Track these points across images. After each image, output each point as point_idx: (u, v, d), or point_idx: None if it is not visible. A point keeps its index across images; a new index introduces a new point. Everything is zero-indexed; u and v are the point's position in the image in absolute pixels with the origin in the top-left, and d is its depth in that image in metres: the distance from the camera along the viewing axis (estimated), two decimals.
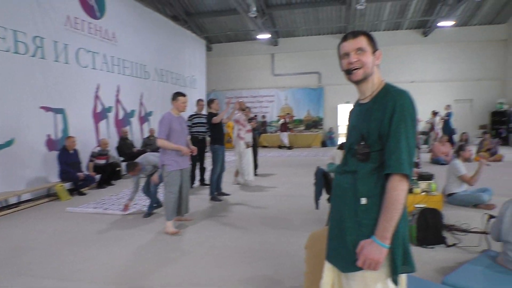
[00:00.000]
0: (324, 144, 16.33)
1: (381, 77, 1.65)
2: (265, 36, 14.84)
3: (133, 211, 5.68)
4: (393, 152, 1.44)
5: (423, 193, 4.14)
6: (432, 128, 13.39)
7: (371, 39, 1.63)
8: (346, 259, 1.55)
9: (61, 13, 7.52)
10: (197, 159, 7.42)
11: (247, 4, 11.46)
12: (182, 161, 4.65)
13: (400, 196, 1.41)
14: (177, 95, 4.68)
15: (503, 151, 11.45)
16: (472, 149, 5.97)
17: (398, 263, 1.47)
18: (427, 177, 4.32)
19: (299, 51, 17.22)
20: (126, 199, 5.88)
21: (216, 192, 6.48)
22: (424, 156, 10.92)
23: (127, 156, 8.93)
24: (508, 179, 7.47)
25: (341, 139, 16.12)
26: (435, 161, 9.97)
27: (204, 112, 7.51)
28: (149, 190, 5.54)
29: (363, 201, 1.52)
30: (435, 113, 13.35)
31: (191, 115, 7.42)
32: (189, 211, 5.06)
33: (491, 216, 3.38)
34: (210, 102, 6.63)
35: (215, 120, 6.27)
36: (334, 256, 1.64)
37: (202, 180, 7.77)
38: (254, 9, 11.55)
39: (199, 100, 7.62)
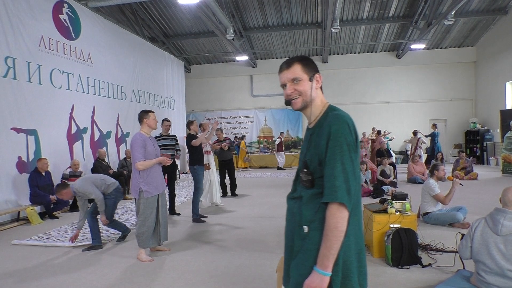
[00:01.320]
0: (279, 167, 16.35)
1: (325, 100, 1.63)
2: (243, 57, 15.00)
3: (80, 243, 5.05)
4: (329, 180, 1.40)
5: (398, 213, 4.13)
6: (411, 147, 13.59)
7: (306, 65, 1.59)
8: (294, 283, 1.53)
9: (35, 34, 7.41)
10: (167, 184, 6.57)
11: (224, 26, 11.59)
12: (160, 185, 4.42)
13: (339, 224, 1.37)
14: (147, 112, 4.42)
15: (477, 169, 11.73)
16: (446, 169, 6.05)
17: None
18: (401, 197, 4.33)
19: (277, 72, 17.37)
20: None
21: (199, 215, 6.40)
22: (402, 176, 11.06)
23: None
24: (482, 197, 7.61)
25: None
26: (412, 180, 10.10)
27: (172, 132, 7.28)
28: (94, 219, 4.82)
29: (305, 229, 1.49)
30: (415, 133, 13.42)
31: (156, 137, 6.50)
32: (168, 238, 4.71)
33: (464, 235, 3.39)
34: (189, 123, 6.63)
35: (195, 143, 6.25)
36: (287, 280, 1.63)
37: (172, 208, 6.86)
38: (232, 31, 11.69)
39: (165, 120, 6.96)
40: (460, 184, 5.40)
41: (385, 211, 4.19)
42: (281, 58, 17.41)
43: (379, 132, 13.94)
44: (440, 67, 16.67)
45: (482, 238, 2.79)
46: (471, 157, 14.24)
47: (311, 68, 1.60)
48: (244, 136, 16.38)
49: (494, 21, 14.42)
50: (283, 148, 15.55)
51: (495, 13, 13.74)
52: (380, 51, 16.82)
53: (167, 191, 6.70)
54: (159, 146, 6.31)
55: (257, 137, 17.63)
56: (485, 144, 14.91)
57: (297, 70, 1.58)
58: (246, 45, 15.54)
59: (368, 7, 13.25)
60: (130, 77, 11.08)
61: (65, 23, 8.30)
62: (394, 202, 4.28)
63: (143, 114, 4.40)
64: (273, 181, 11.63)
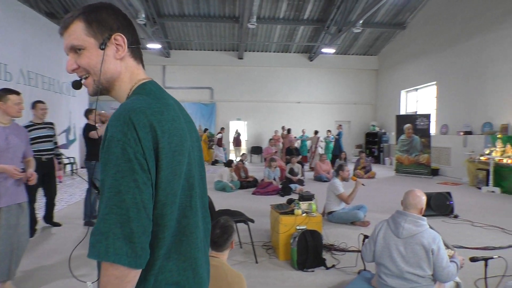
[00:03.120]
0: (216, 161, 16.10)
1: (139, 75, 1.10)
2: (155, 46, 14.15)
3: None
4: (97, 220, 0.89)
5: (304, 214, 4.07)
6: (310, 146, 14.35)
7: (94, 21, 1.01)
8: None
9: None
10: (38, 189, 5.00)
11: (135, 9, 10.74)
12: (9, 194, 3.00)
13: (110, 284, 0.88)
14: (6, 92, 3.10)
15: (375, 168, 12.64)
16: (350, 169, 6.26)
17: None
18: (308, 197, 4.28)
19: (191, 64, 16.89)
20: None
21: (93, 216, 5.65)
22: (308, 174, 11.42)
23: None
24: (379, 195, 8.10)
25: (232, 156, 16.13)
26: (318, 178, 10.47)
27: (50, 120, 5.52)
28: None
29: (89, 285, 1.06)
30: (315, 132, 14.28)
31: (27, 126, 4.78)
32: (16, 274, 3.18)
33: (366, 236, 3.41)
34: (88, 112, 5.79)
35: (93, 134, 5.42)
36: None
37: (49, 217, 5.35)
38: (143, 16, 10.89)
39: (38, 103, 5.01)
40: (362, 184, 5.62)
41: (292, 212, 4.09)
42: (196, 50, 16.88)
43: (289, 130, 14.36)
44: (347, 72, 17.75)
45: (384, 241, 2.77)
46: (370, 157, 15.42)
47: (104, 26, 1.02)
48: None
49: (395, 34, 15.75)
50: (223, 143, 15.66)
51: (396, 27, 15.00)
52: (294, 52, 17.28)
53: (45, 200, 5.31)
54: (32, 139, 4.80)
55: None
56: (382, 146, 16.27)
57: (77, 32, 1.01)
58: (159, 33, 14.68)
59: (285, 7, 13.44)
60: (17, 55, 9.58)
61: None
62: (301, 202, 4.20)
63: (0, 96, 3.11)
64: None
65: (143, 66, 1.14)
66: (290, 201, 4.39)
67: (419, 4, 13.56)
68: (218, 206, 6.65)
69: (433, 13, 13.07)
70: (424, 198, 2.80)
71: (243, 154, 10.69)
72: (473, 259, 2.84)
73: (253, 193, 8.30)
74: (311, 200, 4.29)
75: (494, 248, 4.34)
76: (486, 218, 5.94)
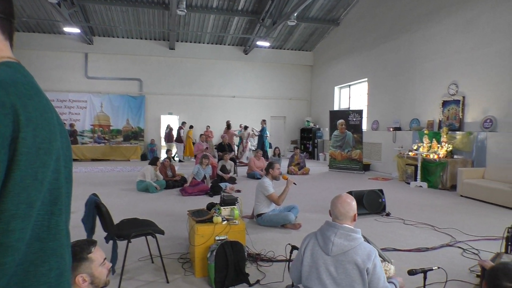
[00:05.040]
0: (144, 157, 14.99)
1: (5, 52, 0.87)
2: (74, 30, 12.69)
3: None
4: None
5: (225, 222, 3.48)
6: (241, 141, 14.09)
7: None
8: None
9: None
10: None
11: None
12: None
13: None
14: None
15: (309, 164, 12.52)
16: (284, 165, 5.82)
17: None
18: (230, 201, 3.69)
19: (118, 53, 15.53)
20: None
21: None
22: (242, 170, 10.91)
23: None
24: (313, 193, 7.79)
25: (162, 152, 15.17)
26: (251, 175, 10.00)
27: None
28: None
29: None
30: (245, 127, 14.22)
31: None
32: None
33: (294, 247, 2.92)
34: None
35: None
36: None
37: None
38: None
39: None
40: (294, 183, 5.21)
41: (210, 220, 3.48)
42: (123, 37, 15.53)
43: (229, 125, 13.88)
44: (283, 67, 17.54)
45: (312, 259, 2.27)
46: (305, 153, 15.40)
47: None
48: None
49: (329, 30, 15.79)
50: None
51: (330, 23, 15.02)
52: (228, 44, 16.65)
53: None
54: None
55: (91, 125, 15.35)
56: (316, 141, 16.31)
57: None
58: (79, 16, 13.19)
59: None
60: None
61: None
62: (222, 208, 3.61)
63: None
64: (103, 178, 10.03)
65: (11, 45, 0.91)
66: (211, 206, 3.79)
67: (352, 1, 13.65)
68: (136, 211, 5.87)
69: (365, 11, 13.21)
70: (354, 204, 2.35)
71: (168, 150, 9.87)
72: (411, 272, 2.48)
73: (181, 193, 7.57)
74: (234, 205, 3.71)
75: (427, 249, 4.12)
76: (416, 214, 5.84)
